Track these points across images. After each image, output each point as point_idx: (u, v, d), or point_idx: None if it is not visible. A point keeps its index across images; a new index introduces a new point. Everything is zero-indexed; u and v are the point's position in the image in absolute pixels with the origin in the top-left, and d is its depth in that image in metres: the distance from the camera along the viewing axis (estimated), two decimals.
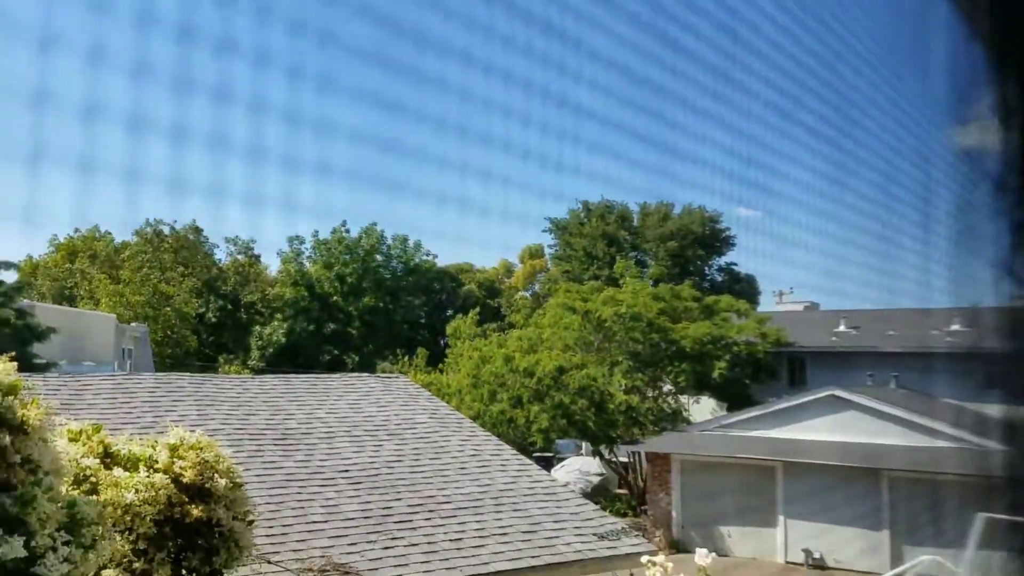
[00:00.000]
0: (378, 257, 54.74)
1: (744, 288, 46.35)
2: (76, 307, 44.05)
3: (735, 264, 49.70)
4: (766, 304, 43.30)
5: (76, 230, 55.92)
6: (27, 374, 4.62)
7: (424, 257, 56.53)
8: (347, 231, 53.96)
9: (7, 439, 4.01)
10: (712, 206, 46.64)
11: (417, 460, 10.56)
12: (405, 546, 8.46)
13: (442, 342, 48.74)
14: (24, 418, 4.16)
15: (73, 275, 50.30)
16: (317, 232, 54.75)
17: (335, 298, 52.24)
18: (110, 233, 54.50)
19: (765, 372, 29.97)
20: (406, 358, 41.24)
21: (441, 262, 59.10)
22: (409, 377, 16.96)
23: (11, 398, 4.14)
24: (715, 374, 27.61)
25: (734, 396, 28.74)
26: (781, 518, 21.47)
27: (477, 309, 41.19)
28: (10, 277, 33.68)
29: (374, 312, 52.19)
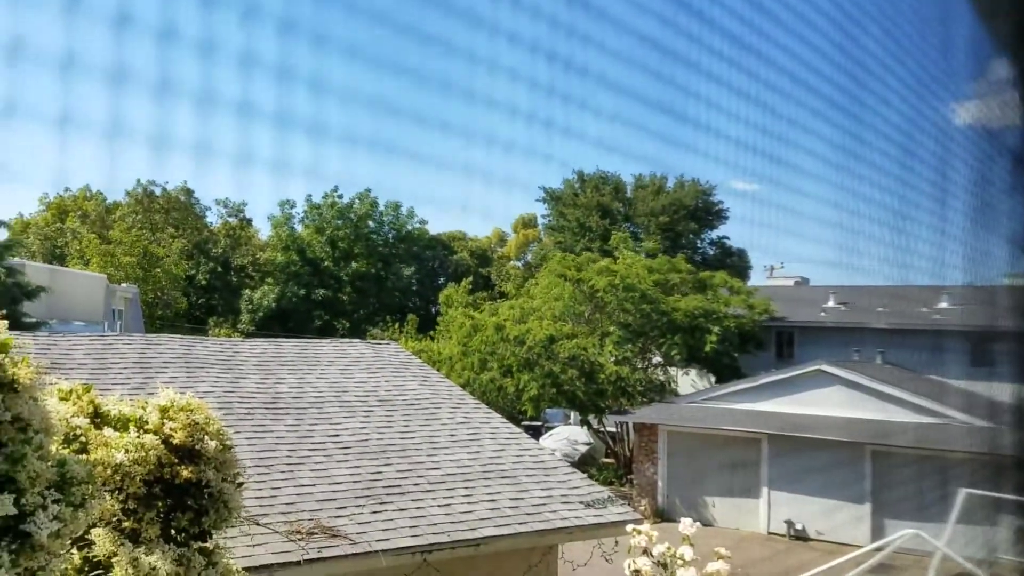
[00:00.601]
0: (370, 223, 54.32)
1: (735, 262, 46.41)
2: (66, 266, 43.69)
3: (727, 238, 49.72)
4: (757, 279, 43.44)
5: (66, 189, 55.63)
6: (17, 332, 4.53)
7: (416, 224, 56.22)
8: (340, 196, 53.47)
9: None
10: (720, 176, 46.41)
11: (406, 427, 10.48)
12: (393, 511, 8.47)
13: (433, 310, 48.63)
14: (14, 376, 4.12)
15: (63, 234, 50.00)
16: (310, 196, 54.38)
17: (326, 263, 51.91)
18: (101, 193, 54.11)
19: (753, 344, 30.18)
20: (396, 325, 41.23)
21: (433, 229, 58.88)
22: (400, 344, 16.85)
23: (1, 356, 4.10)
24: (707, 348, 27.77)
25: (723, 369, 28.96)
26: (765, 489, 21.75)
27: (469, 278, 41.11)
28: (0, 235, 33.75)
29: (365, 278, 51.90)
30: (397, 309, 49.36)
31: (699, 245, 49.72)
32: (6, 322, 4.30)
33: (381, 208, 54.70)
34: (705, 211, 48.74)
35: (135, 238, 44.86)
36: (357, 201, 53.64)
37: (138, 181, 50.42)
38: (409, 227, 55.81)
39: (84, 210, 52.04)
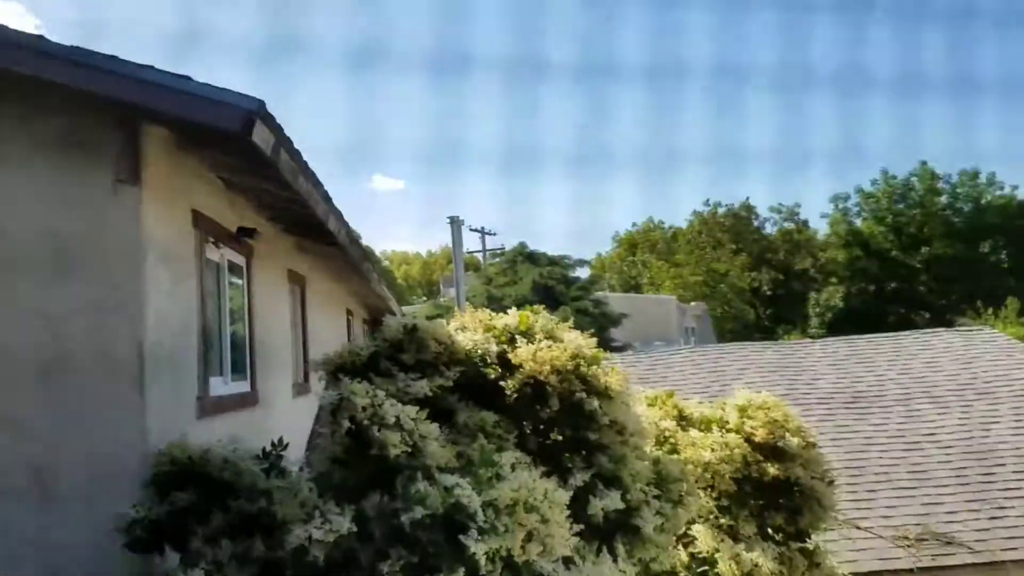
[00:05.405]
0: (940, 199, 48.76)
1: None
2: (641, 294, 48.05)
3: None
4: None
5: (633, 224, 61.14)
6: (607, 355, 4.74)
7: (999, 192, 48.66)
8: (893, 177, 49.03)
9: (596, 403, 4.30)
10: None
11: (1019, 421, 9.53)
12: (1017, 517, 7.73)
13: None
14: (607, 384, 4.39)
15: (635, 266, 55.36)
16: (860, 187, 50.65)
17: (894, 253, 47.72)
18: (663, 222, 58.72)
19: None
20: (990, 310, 36.14)
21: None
22: (997, 330, 14.33)
23: (595, 367, 4.44)
24: None
25: None
26: None
27: None
28: (584, 273, 40.58)
29: (942, 262, 46.28)
30: (988, 292, 41.52)
31: None
32: (595, 340, 4.65)
33: (953, 179, 49.16)
34: None
35: (698, 258, 48.29)
36: (917, 178, 48.62)
37: (706, 201, 53.41)
38: (989, 196, 48.68)
39: (651, 240, 56.69)
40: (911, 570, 6.98)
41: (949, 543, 7.21)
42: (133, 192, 4.37)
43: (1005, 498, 7.94)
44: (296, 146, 4.84)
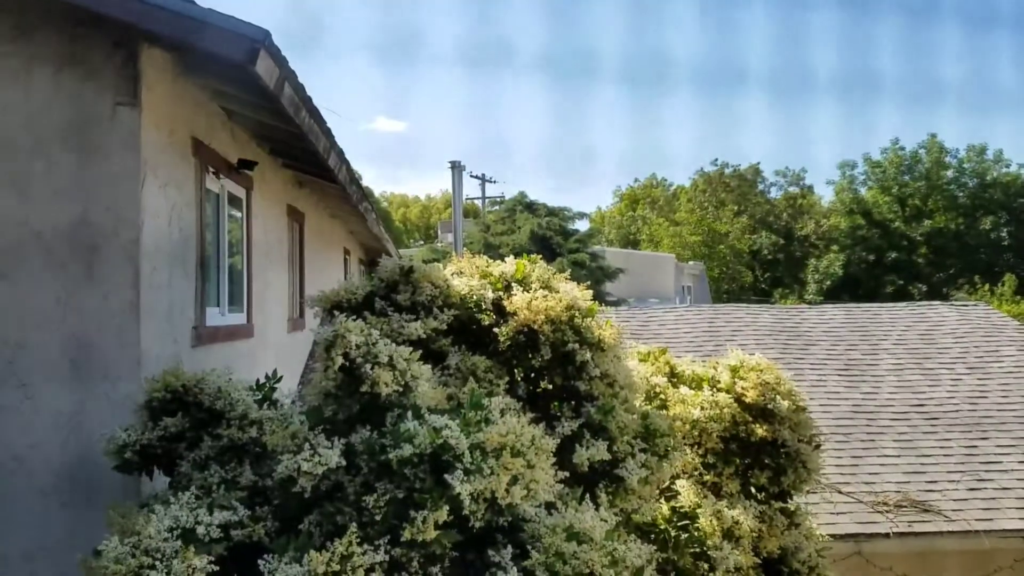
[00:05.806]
0: (946, 173, 47.76)
1: None
2: (639, 250, 48.55)
3: None
4: None
5: (635, 180, 62.35)
6: (601, 308, 4.76)
7: (1005, 169, 47.77)
8: (901, 148, 48.58)
9: (588, 354, 4.36)
10: None
11: (1006, 397, 9.49)
12: (995, 489, 7.79)
13: None
14: (600, 336, 4.47)
15: (635, 221, 55.51)
16: (868, 155, 50.36)
17: (896, 224, 47.36)
18: (666, 179, 59.56)
19: None
20: (987, 286, 35.98)
21: None
22: (992, 307, 14.24)
23: (588, 320, 4.50)
24: None
25: None
26: None
27: None
28: (583, 226, 40.35)
29: (943, 236, 46.09)
30: (985, 268, 42.03)
31: None
32: (590, 292, 4.73)
33: (960, 154, 48.12)
34: None
35: (699, 217, 48.08)
36: (925, 151, 47.96)
37: (713, 161, 54.72)
38: (995, 173, 47.72)
39: (652, 197, 56.60)
40: (887, 535, 7.08)
41: (927, 511, 7.33)
42: (132, 115, 4.32)
43: (986, 470, 8.10)
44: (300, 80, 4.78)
